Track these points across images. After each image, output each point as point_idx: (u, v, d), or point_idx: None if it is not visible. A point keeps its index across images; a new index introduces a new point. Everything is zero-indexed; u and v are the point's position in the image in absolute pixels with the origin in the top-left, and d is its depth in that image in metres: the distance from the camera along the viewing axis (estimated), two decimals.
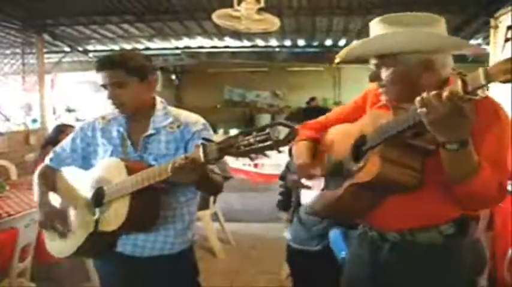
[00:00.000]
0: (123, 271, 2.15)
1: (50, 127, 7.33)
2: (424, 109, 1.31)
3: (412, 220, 1.69)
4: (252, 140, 1.58)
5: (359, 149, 1.69)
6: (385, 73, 1.65)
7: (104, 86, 2.04)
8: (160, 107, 2.17)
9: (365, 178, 1.59)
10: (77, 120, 9.51)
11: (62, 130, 5.09)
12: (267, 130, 1.57)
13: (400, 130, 1.46)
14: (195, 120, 2.18)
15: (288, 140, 1.56)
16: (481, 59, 6.54)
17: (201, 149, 1.71)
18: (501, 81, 1.20)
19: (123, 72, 2.01)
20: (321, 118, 2.12)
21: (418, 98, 1.32)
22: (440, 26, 1.72)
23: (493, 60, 4.92)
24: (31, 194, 3.88)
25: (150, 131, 2.11)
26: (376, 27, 1.72)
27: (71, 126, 5.25)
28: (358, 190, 1.64)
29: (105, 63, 2.02)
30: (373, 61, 1.70)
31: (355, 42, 1.78)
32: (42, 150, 5.20)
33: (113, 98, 2.04)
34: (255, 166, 6.62)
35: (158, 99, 2.21)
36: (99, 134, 2.21)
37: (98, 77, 2.05)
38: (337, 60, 1.82)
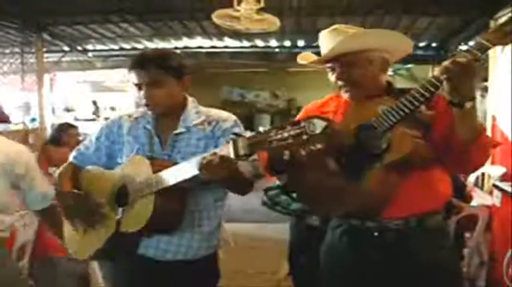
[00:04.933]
0: (141, 275, 2.06)
1: (49, 126, 7.35)
2: (446, 76, 1.52)
3: (421, 205, 1.79)
4: (285, 135, 1.49)
5: (363, 138, 1.75)
6: (353, 71, 1.85)
7: (138, 85, 1.97)
8: (192, 106, 2.12)
9: (401, 153, 1.65)
10: (76, 119, 9.52)
11: (63, 129, 5.11)
12: (302, 124, 1.48)
13: (417, 105, 1.63)
14: (226, 117, 2.11)
15: (325, 134, 1.47)
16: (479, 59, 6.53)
17: (231, 145, 1.62)
18: (503, 44, 1.51)
19: (161, 72, 1.94)
20: None
21: (441, 67, 1.53)
22: None
23: (492, 62, 4.92)
24: None
25: (181, 129, 2.04)
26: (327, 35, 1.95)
27: (73, 126, 5.26)
28: (391, 168, 1.68)
29: (142, 62, 1.94)
30: (337, 63, 1.88)
31: (327, 44, 1.91)
32: (43, 149, 5.22)
33: (148, 98, 1.97)
34: None
35: (189, 98, 2.14)
36: (125, 132, 2.13)
37: (131, 76, 1.97)
38: (302, 61, 2.08)
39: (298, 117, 2.08)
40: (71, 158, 2.27)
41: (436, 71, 1.58)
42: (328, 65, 1.93)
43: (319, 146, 1.53)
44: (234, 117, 2.12)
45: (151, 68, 1.93)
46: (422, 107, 1.68)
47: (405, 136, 1.65)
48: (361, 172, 1.72)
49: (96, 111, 10.16)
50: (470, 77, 1.54)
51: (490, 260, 3.72)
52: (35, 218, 3.32)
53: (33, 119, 7.97)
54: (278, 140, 1.51)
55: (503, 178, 4.02)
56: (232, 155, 1.62)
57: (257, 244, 5.34)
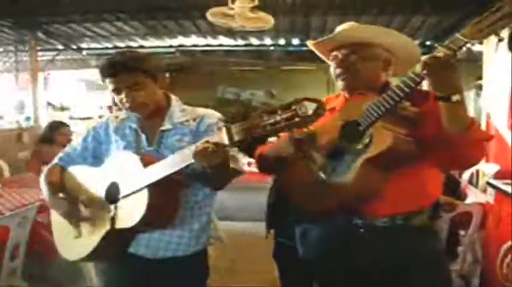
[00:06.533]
0: (133, 273, 2.08)
1: (43, 125, 7.33)
2: (426, 70, 1.55)
3: (408, 203, 1.81)
4: (278, 118, 1.52)
5: (348, 135, 1.79)
6: (355, 61, 1.91)
7: (116, 90, 1.99)
8: (177, 104, 2.15)
9: (380, 148, 1.67)
10: (70, 118, 9.48)
11: (55, 128, 5.09)
12: (293, 107, 1.51)
13: (397, 100, 1.65)
14: (210, 113, 2.15)
15: (316, 114, 1.51)
16: (475, 58, 6.55)
17: (224, 132, 1.64)
18: (479, 39, 1.54)
19: (140, 74, 1.97)
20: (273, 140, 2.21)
21: (421, 62, 1.56)
22: None
23: (486, 60, 4.93)
24: (23, 192, 3.89)
25: (168, 126, 2.07)
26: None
27: (64, 124, 5.24)
28: (372, 164, 1.70)
29: (120, 68, 1.95)
30: (342, 51, 1.95)
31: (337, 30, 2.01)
32: (36, 148, 5.21)
33: (130, 101, 1.98)
34: (249, 164, 6.60)
35: (173, 97, 2.17)
36: (112, 132, 2.16)
37: (107, 82, 1.99)
38: (311, 42, 2.08)
39: None
40: (55, 160, 2.28)
41: (417, 67, 1.60)
42: (333, 53, 1.99)
43: (311, 127, 1.58)
44: (218, 114, 2.16)
45: (128, 72, 1.95)
46: (407, 104, 1.72)
47: (384, 131, 1.68)
48: (344, 167, 1.75)
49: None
50: (449, 71, 1.56)
51: (484, 257, 3.73)
52: (29, 217, 3.32)
53: (28, 118, 7.94)
54: (271, 124, 1.53)
55: (497, 175, 4.03)
56: (226, 142, 1.64)
57: (252, 243, 5.34)
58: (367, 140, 1.72)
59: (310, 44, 2.09)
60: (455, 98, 1.57)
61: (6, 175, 5.41)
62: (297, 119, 1.51)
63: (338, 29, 2.02)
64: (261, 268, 4.40)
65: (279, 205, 2.87)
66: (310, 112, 1.51)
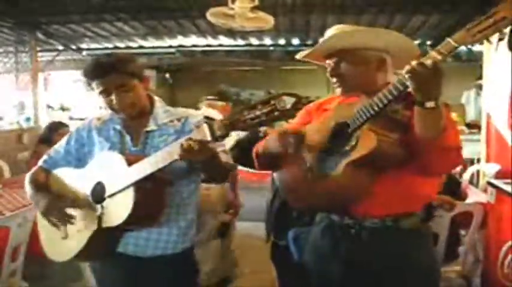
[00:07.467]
0: (123, 272, 2.10)
1: (44, 126, 7.33)
2: (411, 75, 1.52)
3: (398, 205, 1.82)
4: (258, 113, 1.59)
5: (338, 136, 1.80)
6: (346, 68, 1.92)
7: (105, 91, 2.00)
8: (160, 105, 2.17)
9: (364, 151, 1.67)
10: (71, 118, 9.47)
11: (55, 128, 5.08)
12: (272, 102, 1.57)
13: (386, 103, 1.64)
14: (194, 113, 2.19)
15: (295, 108, 1.59)
16: (475, 58, 6.55)
17: (206, 128, 1.69)
18: (469, 43, 1.53)
19: (126, 75, 1.99)
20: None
21: (406, 67, 1.53)
22: None
23: (486, 60, 4.92)
24: (24, 193, 3.87)
25: (152, 127, 2.09)
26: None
27: (64, 125, 5.23)
28: (357, 166, 1.70)
29: (109, 69, 1.97)
30: (333, 59, 1.95)
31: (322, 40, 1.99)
32: (35, 149, 5.20)
33: (119, 102, 2.00)
34: None
35: (156, 97, 2.20)
36: (95, 134, 2.17)
37: (95, 84, 2.01)
38: (301, 55, 2.12)
39: (298, 115, 2.12)
40: (40, 163, 2.30)
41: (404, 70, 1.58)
42: (327, 61, 1.99)
43: (291, 120, 1.59)
44: (200, 113, 2.23)
45: (117, 73, 1.98)
46: (399, 107, 1.73)
47: (369, 134, 1.68)
48: (332, 168, 1.76)
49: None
50: (434, 78, 1.53)
51: (485, 257, 3.73)
52: (29, 218, 3.31)
53: (28, 119, 7.94)
54: (251, 119, 1.60)
55: (498, 175, 4.03)
56: (209, 138, 1.69)
57: (253, 243, 5.33)
58: (353, 143, 1.72)
59: (300, 57, 2.13)
60: (428, 104, 1.56)
61: (6, 176, 5.40)
62: (276, 113, 1.57)
63: (326, 35, 2.01)
64: (260, 268, 4.40)
65: (283, 209, 2.89)
66: (288, 106, 1.58)
